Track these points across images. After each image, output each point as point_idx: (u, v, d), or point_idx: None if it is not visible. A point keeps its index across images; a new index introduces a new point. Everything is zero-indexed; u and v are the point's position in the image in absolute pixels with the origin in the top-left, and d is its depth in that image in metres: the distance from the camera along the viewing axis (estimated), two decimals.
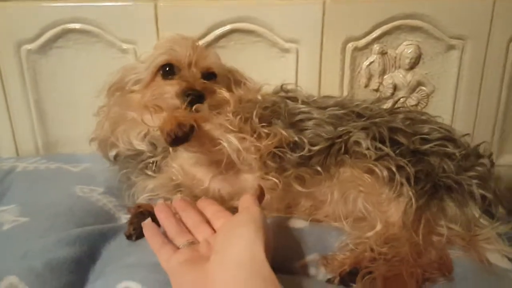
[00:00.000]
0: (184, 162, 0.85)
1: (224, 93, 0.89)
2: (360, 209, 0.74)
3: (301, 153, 0.82)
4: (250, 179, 0.84)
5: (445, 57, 1.10)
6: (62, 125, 1.16)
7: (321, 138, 0.83)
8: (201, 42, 1.07)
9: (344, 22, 1.06)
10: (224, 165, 0.82)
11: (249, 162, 0.82)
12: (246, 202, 0.68)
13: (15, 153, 1.17)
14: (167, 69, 0.90)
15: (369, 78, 1.11)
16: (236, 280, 0.54)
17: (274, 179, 0.81)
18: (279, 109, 0.88)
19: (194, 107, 0.83)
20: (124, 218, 0.90)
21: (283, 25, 1.06)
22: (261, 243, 0.57)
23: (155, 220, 0.76)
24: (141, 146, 0.86)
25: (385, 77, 1.11)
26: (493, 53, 1.09)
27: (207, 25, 1.07)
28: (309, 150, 0.82)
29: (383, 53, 1.09)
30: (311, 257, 0.73)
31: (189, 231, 0.70)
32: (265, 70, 1.08)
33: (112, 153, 0.91)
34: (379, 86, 1.12)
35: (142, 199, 0.87)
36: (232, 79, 0.97)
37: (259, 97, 0.92)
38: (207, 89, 0.87)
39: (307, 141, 0.82)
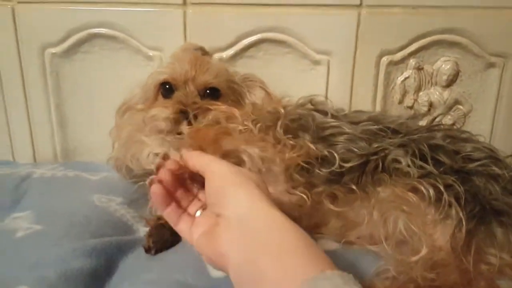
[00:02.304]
0: None
1: (224, 109, 0.84)
2: (402, 231, 0.67)
3: (332, 169, 0.76)
4: (275, 193, 0.78)
5: (485, 75, 1.05)
6: (82, 132, 1.13)
7: (353, 154, 0.77)
8: (230, 52, 1.04)
9: (380, 34, 1.01)
10: None
11: (274, 173, 0.76)
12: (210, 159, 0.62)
13: (33, 159, 1.14)
14: (167, 87, 0.87)
15: (404, 94, 1.06)
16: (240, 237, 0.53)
17: (302, 194, 0.75)
18: (306, 123, 0.83)
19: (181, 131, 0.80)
20: (143, 230, 0.85)
21: (315, 36, 1.02)
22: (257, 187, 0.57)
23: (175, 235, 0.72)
24: (150, 166, 0.81)
25: (420, 93, 1.06)
26: None
27: (237, 33, 1.04)
28: (340, 166, 0.76)
29: (419, 69, 1.04)
30: None
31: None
32: (294, 83, 1.04)
33: (129, 173, 0.89)
34: (414, 103, 1.06)
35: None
36: (246, 90, 0.92)
37: (282, 110, 0.85)
38: (202, 108, 0.83)
39: (338, 157, 0.76)
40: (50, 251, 0.70)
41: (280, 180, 0.77)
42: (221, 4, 1.03)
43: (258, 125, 0.80)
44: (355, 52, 1.02)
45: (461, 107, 1.07)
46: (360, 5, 1.00)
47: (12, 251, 0.72)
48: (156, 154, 0.82)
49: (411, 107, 1.07)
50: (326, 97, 1.04)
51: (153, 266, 0.70)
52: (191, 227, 0.59)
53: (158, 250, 0.74)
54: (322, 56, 1.03)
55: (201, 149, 0.71)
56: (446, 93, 1.06)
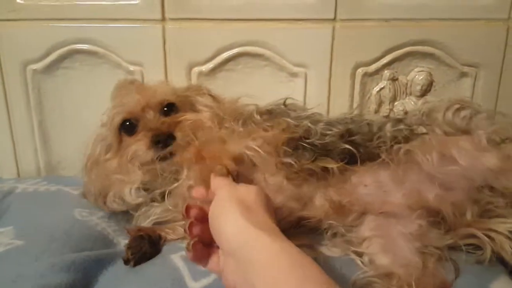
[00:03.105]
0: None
1: (191, 117, 0.86)
2: None
3: (314, 139, 0.80)
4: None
5: (458, 85, 1.08)
6: (66, 147, 1.14)
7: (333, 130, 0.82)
8: (209, 65, 1.06)
9: (354, 47, 1.04)
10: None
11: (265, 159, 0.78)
12: (217, 185, 0.68)
13: (16, 174, 1.15)
14: (127, 124, 0.87)
15: (379, 104, 1.09)
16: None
17: (292, 161, 0.78)
18: (283, 112, 0.87)
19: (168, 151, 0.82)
20: (124, 243, 0.85)
21: (292, 49, 1.05)
22: (242, 214, 0.58)
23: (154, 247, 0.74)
24: (137, 200, 0.85)
25: (395, 103, 1.09)
26: (509, 82, 1.06)
27: (215, 47, 1.06)
28: (322, 137, 0.81)
29: (393, 80, 1.06)
30: None
31: None
32: (273, 95, 1.03)
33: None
34: (389, 112, 1.09)
35: (148, 222, 0.85)
36: (194, 99, 0.93)
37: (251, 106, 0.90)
38: (172, 124, 0.84)
39: (319, 130, 0.81)
40: (30, 266, 0.71)
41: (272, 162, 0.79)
42: (199, 20, 1.05)
43: (240, 121, 0.83)
44: (330, 64, 1.05)
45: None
46: (334, 19, 1.02)
47: None
48: (138, 188, 0.84)
49: (386, 117, 1.09)
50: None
51: (131, 279, 0.71)
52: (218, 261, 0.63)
53: (137, 262, 0.75)
54: (299, 68, 1.06)
55: (209, 167, 0.74)
56: (420, 103, 1.08)
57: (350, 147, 0.80)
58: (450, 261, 0.73)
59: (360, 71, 1.06)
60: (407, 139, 0.82)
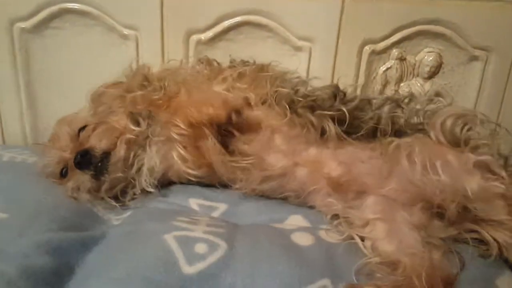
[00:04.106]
0: None
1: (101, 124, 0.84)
2: None
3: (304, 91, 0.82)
4: None
5: (467, 68, 1.04)
6: (53, 111, 1.06)
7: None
8: (209, 34, 1.01)
9: (363, 23, 0.99)
10: None
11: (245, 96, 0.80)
12: None
13: (1, 138, 1.10)
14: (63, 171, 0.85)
15: (385, 84, 1.05)
16: None
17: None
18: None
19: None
20: (115, 219, 0.83)
21: (298, 21, 0.99)
22: None
23: None
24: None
25: (401, 84, 1.05)
26: None
27: (216, 15, 1.00)
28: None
29: (401, 59, 1.02)
30: (318, 284, 0.65)
31: None
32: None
33: None
34: (394, 93, 1.05)
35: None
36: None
37: None
38: (82, 141, 0.82)
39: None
40: (13, 243, 0.66)
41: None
42: None
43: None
44: (337, 40, 1.00)
45: (441, 99, 1.06)
46: None
47: None
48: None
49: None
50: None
51: (120, 261, 0.66)
52: None
53: None
54: (304, 42, 1.01)
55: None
56: (427, 85, 1.05)
57: (343, 109, 0.79)
58: (456, 254, 0.71)
59: (367, 48, 1.01)
60: (400, 129, 0.81)
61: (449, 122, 0.78)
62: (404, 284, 0.66)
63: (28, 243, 0.67)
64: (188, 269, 0.65)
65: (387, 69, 1.03)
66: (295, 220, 0.82)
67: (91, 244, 0.72)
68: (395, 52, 1.02)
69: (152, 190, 0.83)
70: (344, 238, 0.76)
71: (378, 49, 1.01)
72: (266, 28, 1.01)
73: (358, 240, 0.74)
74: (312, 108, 0.80)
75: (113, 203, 0.83)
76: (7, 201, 0.79)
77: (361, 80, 1.04)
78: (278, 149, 0.81)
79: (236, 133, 0.80)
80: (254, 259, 0.67)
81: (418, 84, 1.05)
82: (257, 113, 0.81)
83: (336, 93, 0.81)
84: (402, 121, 0.81)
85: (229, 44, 1.02)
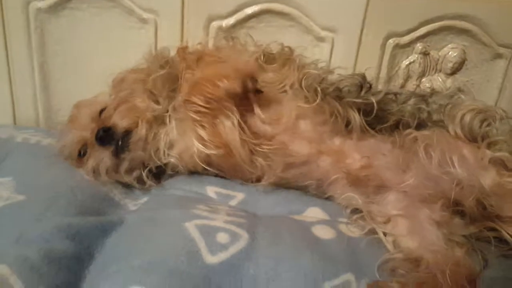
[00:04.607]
0: None
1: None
2: None
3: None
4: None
5: (491, 66, 1.03)
6: (67, 93, 1.06)
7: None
8: (230, 21, 0.99)
9: (389, 15, 0.97)
10: None
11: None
12: None
13: (13, 119, 1.07)
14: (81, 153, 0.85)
15: (407, 79, 1.03)
16: None
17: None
18: None
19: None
20: (132, 205, 0.81)
21: (322, 11, 0.97)
22: None
23: None
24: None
25: (423, 79, 1.03)
26: None
27: (238, 1, 0.98)
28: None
29: (425, 54, 1.00)
30: (342, 278, 0.64)
31: None
32: None
33: None
34: (415, 89, 1.03)
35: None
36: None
37: None
38: (105, 119, 0.81)
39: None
40: (33, 226, 0.65)
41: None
42: None
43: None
44: (361, 32, 0.98)
45: (462, 96, 1.04)
46: None
47: None
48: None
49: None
50: None
51: (141, 249, 0.65)
52: None
53: None
54: (327, 33, 0.99)
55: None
56: (449, 81, 1.03)
57: (372, 100, 0.78)
58: (478, 252, 0.70)
59: (391, 41, 0.99)
60: (421, 123, 0.80)
61: (468, 117, 0.77)
62: (428, 281, 0.65)
63: (48, 227, 0.66)
64: (211, 259, 0.63)
65: (410, 63, 1.02)
66: (314, 212, 0.81)
67: (109, 229, 0.71)
68: (419, 46, 1.00)
69: (170, 160, 0.83)
70: (366, 232, 0.75)
71: (402, 42, 0.99)
72: (288, 17, 0.98)
73: (381, 235, 0.73)
74: (339, 97, 0.79)
75: (134, 183, 0.83)
76: (23, 183, 0.78)
77: (383, 73, 1.02)
78: (303, 136, 0.79)
79: (256, 108, 0.78)
80: (277, 253, 0.66)
81: (440, 80, 1.03)
82: (270, 75, 0.80)
83: (363, 83, 0.80)
84: (425, 114, 0.81)
85: (250, 32, 0.99)
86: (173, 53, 0.87)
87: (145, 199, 0.83)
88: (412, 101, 0.81)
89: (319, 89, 0.78)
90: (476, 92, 1.05)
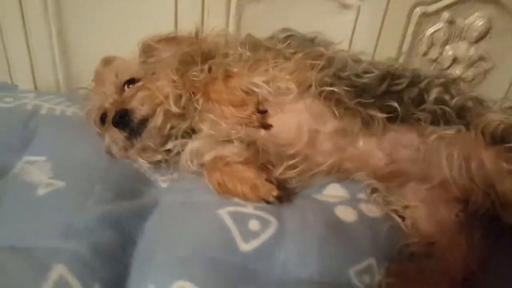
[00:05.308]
0: None
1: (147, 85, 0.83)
2: None
3: (350, 74, 0.79)
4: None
5: None
6: (86, 58, 1.04)
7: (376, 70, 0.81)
8: None
9: None
10: None
11: (290, 90, 0.78)
12: None
13: (33, 83, 1.07)
14: (103, 117, 0.86)
15: (430, 46, 1.01)
16: None
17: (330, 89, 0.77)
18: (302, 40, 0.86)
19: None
20: (161, 180, 0.85)
21: None
22: None
23: None
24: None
25: (446, 47, 1.02)
26: None
27: None
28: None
29: (451, 22, 0.98)
30: (365, 263, 0.69)
31: None
32: (318, 26, 0.96)
33: None
34: (438, 56, 1.02)
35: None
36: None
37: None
38: (125, 100, 0.82)
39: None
40: (77, 217, 0.69)
41: (295, 90, 0.78)
42: None
43: (246, 46, 0.82)
44: (388, 0, 0.94)
45: (483, 63, 1.04)
46: None
47: (38, 214, 0.70)
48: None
49: (435, 60, 1.04)
50: (350, 45, 0.99)
51: (181, 237, 0.70)
52: None
53: None
54: (353, 0, 0.95)
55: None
56: (472, 49, 1.02)
57: (396, 105, 0.78)
58: (493, 237, 0.75)
59: (418, 10, 0.96)
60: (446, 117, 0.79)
61: (491, 127, 0.76)
62: (440, 268, 0.71)
63: (91, 217, 0.70)
64: (245, 247, 0.68)
65: (435, 31, 0.99)
66: (333, 189, 0.84)
67: (146, 213, 0.75)
68: (445, 14, 0.97)
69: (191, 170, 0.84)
70: (386, 212, 0.79)
71: (430, 11, 0.96)
72: None
73: (398, 219, 0.78)
74: (359, 95, 0.78)
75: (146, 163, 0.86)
76: (58, 164, 0.80)
77: (408, 40, 1.00)
78: (324, 148, 0.81)
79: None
80: (305, 239, 0.70)
81: (463, 47, 1.02)
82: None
83: (386, 77, 0.80)
84: (448, 108, 0.79)
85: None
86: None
87: (174, 174, 0.87)
88: (435, 93, 0.80)
89: (332, 102, 0.78)
90: (497, 60, 1.03)
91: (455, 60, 1.03)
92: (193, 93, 0.80)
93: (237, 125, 0.78)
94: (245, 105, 0.77)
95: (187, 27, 0.97)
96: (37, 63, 1.04)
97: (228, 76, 0.79)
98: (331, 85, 0.77)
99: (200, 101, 0.80)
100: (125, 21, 0.97)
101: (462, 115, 0.78)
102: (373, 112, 0.77)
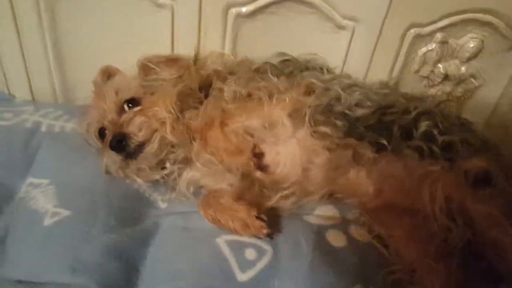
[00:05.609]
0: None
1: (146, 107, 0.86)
2: None
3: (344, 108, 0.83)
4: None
5: (505, 57, 1.02)
6: (81, 70, 1.04)
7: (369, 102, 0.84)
8: (250, 7, 0.95)
9: (412, 6, 0.94)
10: None
11: (283, 125, 0.81)
12: None
13: (29, 93, 1.07)
14: (101, 132, 0.88)
15: (422, 65, 1.03)
16: None
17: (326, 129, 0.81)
18: (298, 65, 0.90)
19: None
20: (160, 200, 0.89)
21: (345, 0, 0.93)
22: None
23: None
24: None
25: (438, 65, 1.04)
26: None
27: None
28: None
29: (443, 42, 0.99)
30: None
31: None
32: (312, 44, 0.99)
33: None
34: (429, 74, 1.04)
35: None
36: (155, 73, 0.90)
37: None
38: (124, 122, 0.84)
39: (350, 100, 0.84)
40: (83, 248, 0.73)
41: (290, 127, 0.82)
42: None
43: (239, 81, 0.85)
44: (383, 22, 0.95)
45: (474, 80, 1.06)
46: None
47: (46, 246, 0.74)
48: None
49: (426, 77, 1.06)
50: (344, 64, 1.01)
51: (181, 267, 0.74)
52: None
53: None
54: (348, 22, 0.96)
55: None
56: (464, 68, 1.03)
57: (385, 142, 0.81)
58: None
59: (412, 32, 0.97)
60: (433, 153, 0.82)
61: (474, 170, 0.79)
62: None
63: (98, 249, 0.74)
64: (242, 277, 0.73)
65: (428, 51, 1.01)
66: (325, 209, 0.88)
67: (148, 238, 0.80)
68: (438, 35, 0.98)
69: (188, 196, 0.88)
70: (373, 236, 0.84)
71: (423, 33, 0.97)
72: (310, 5, 0.94)
73: (381, 248, 0.82)
74: (351, 127, 0.82)
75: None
76: (63, 190, 0.84)
77: (401, 59, 1.02)
78: (316, 180, 0.85)
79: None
80: (298, 267, 0.75)
81: (454, 65, 1.03)
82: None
83: (378, 110, 0.83)
84: (435, 147, 0.81)
85: (269, 17, 0.96)
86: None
87: (172, 194, 0.90)
88: (423, 126, 0.82)
89: (325, 134, 0.82)
90: (487, 77, 1.06)
91: (446, 77, 1.05)
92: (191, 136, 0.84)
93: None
94: (241, 151, 0.80)
95: (183, 41, 0.99)
96: (33, 74, 1.04)
97: (224, 121, 0.82)
98: (323, 123, 0.79)
99: (197, 146, 0.83)
100: (119, 32, 0.97)
101: (449, 150, 0.81)
102: (362, 150, 0.81)
